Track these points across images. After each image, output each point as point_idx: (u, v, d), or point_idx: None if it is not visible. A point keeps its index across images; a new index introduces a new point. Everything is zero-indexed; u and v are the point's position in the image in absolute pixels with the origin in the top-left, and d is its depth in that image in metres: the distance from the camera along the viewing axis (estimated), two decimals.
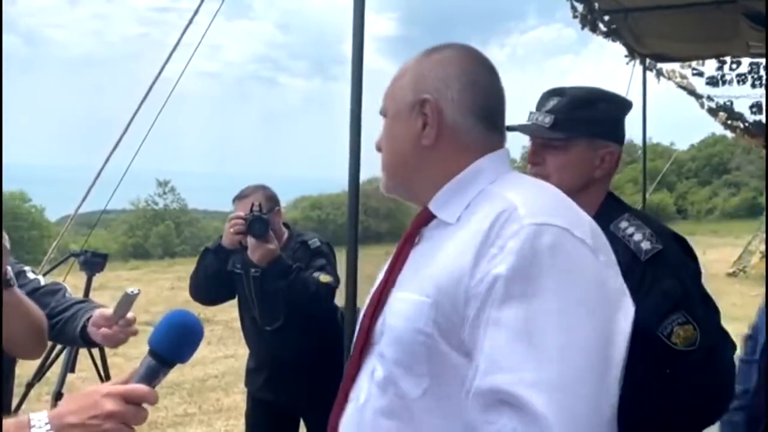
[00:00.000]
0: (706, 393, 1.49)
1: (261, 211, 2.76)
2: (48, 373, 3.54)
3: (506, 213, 1.04)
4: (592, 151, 1.64)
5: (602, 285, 1.02)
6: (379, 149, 1.26)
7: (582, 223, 1.07)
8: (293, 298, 2.74)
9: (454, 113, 1.17)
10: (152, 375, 1.05)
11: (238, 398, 5.55)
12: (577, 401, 0.93)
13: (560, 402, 0.92)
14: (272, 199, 2.95)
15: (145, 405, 1.03)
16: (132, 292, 1.70)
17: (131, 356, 6.00)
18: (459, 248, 1.07)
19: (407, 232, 1.21)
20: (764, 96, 6.47)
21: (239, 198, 2.94)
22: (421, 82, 1.19)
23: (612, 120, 1.68)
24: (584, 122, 1.62)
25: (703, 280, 1.68)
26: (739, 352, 1.73)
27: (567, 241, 1.01)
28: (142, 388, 1.02)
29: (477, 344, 1.00)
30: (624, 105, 1.74)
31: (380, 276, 1.25)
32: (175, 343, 1.05)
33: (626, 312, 1.03)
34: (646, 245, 1.53)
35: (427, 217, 1.20)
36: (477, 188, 1.15)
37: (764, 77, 6.32)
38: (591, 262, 1.02)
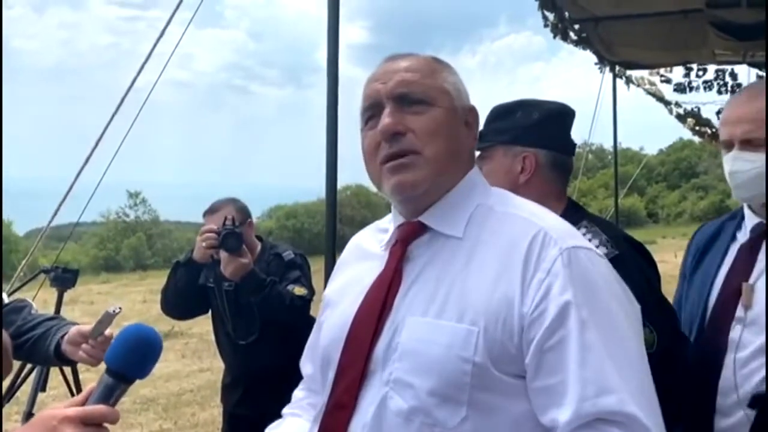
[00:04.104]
0: (666, 394, 1.52)
1: (234, 225, 2.72)
2: (18, 392, 3.44)
3: (539, 237, 1.07)
4: (511, 158, 1.70)
5: (625, 292, 1.12)
6: (398, 132, 1.11)
7: (585, 238, 1.16)
8: (268, 311, 2.71)
9: (479, 127, 1.24)
10: (110, 393, 1.00)
11: (214, 413, 5.46)
12: (650, 402, 1.03)
13: (648, 409, 1.01)
14: (244, 212, 2.91)
15: (107, 424, 0.98)
16: (114, 311, 1.66)
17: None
18: (493, 273, 1.06)
19: (397, 250, 1.16)
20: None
21: (210, 212, 2.89)
22: (461, 90, 1.19)
23: (529, 127, 1.71)
24: (499, 132, 1.70)
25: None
26: None
27: (597, 260, 1.09)
28: (100, 408, 0.98)
29: (552, 368, 1.01)
30: (545, 112, 1.74)
31: (352, 294, 1.17)
32: (132, 359, 1.01)
33: (638, 309, 1.13)
34: (602, 251, 1.56)
35: (414, 231, 1.15)
36: (473, 202, 1.15)
37: (730, 83, 6.48)
38: (613, 274, 1.11)
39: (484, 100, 1.32)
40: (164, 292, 2.96)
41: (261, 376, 2.83)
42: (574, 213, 1.71)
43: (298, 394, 1.36)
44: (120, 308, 1.68)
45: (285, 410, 1.34)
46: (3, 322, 1.61)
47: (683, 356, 1.62)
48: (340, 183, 2.49)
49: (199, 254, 2.76)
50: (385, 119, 1.12)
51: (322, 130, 2.38)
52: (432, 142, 1.12)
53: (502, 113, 1.73)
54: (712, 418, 1.54)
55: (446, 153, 1.13)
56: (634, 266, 1.60)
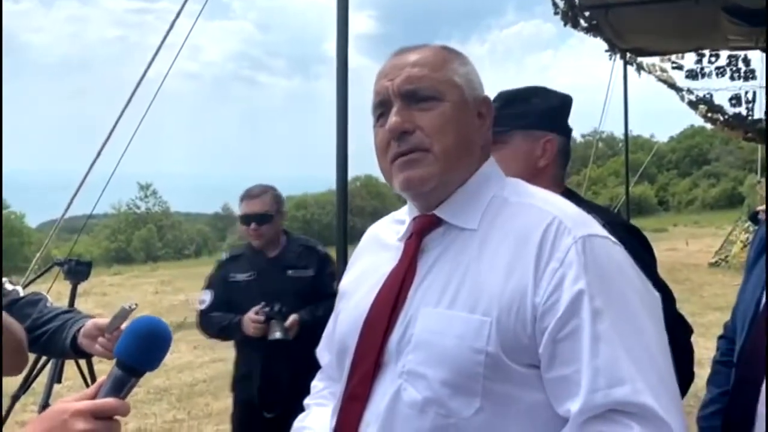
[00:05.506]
0: None
1: (273, 310, 2.79)
2: (34, 384, 3.49)
3: (553, 226, 1.05)
4: (532, 142, 1.70)
5: (642, 280, 1.09)
6: (406, 131, 1.10)
7: (600, 226, 1.12)
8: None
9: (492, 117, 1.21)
10: (120, 386, 0.99)
11: (227, 402, 5.47)
12: (669, 394, 1.00)
13: (665, 400, 0.98)
14: (280, 200, 2.98)
15: (118, 417, 0.97)
16: (130, 306, 1.68)
17: None
18: (506, 262, 1.05)
19: (412, 242, 1.15)
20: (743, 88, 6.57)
21: (248, 197, 2.92)
22: (474, 80, 1.17)
23: (546, 112, 1.73)
24: (518, 116, 1.70)
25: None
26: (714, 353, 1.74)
27: (612, 248, 1.08)
28: (111, 401, 0.96)
29: (565, 358, 1.00)
30: (560, 98, 1.78)
31: (367, 285, 1.17)
32: (142, 352, 1.00)
33: (658, 298, 1.11)
34: None
35: (429, 224, 1.15)
36: (488, 194, 1.14)
37: (743, 69, 6.41)
38: (631, 263, 1.09)
39: (493, 88, 1.30)
40: (206, 333, 3.06)
41: (278, 368, 2.83)
42: (571, 199, 1.72)
43: (317, 384, 1.35)
44: (136, 304, 1.69)
45: (308, 400, 1.33)
46: (19, 316, 1.62)
47: (683, 338, 1.60)
48: (350, 174, 2.49)
49: (249, 333, 2.82)
50: (392, 118, 1.10)
51: (330, 120, 2.38)
52: (441, 138, 1.10)
53: (516, 99, 1.74)
54: (753, 422, 1.49)
55: (456, 148, 1.11)
56: (629, 250, 1.60)
